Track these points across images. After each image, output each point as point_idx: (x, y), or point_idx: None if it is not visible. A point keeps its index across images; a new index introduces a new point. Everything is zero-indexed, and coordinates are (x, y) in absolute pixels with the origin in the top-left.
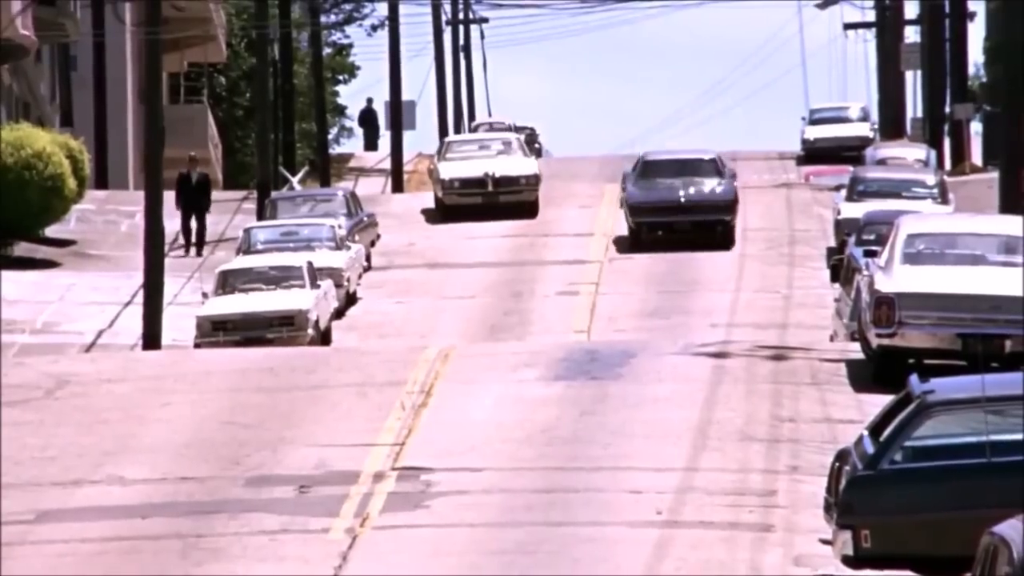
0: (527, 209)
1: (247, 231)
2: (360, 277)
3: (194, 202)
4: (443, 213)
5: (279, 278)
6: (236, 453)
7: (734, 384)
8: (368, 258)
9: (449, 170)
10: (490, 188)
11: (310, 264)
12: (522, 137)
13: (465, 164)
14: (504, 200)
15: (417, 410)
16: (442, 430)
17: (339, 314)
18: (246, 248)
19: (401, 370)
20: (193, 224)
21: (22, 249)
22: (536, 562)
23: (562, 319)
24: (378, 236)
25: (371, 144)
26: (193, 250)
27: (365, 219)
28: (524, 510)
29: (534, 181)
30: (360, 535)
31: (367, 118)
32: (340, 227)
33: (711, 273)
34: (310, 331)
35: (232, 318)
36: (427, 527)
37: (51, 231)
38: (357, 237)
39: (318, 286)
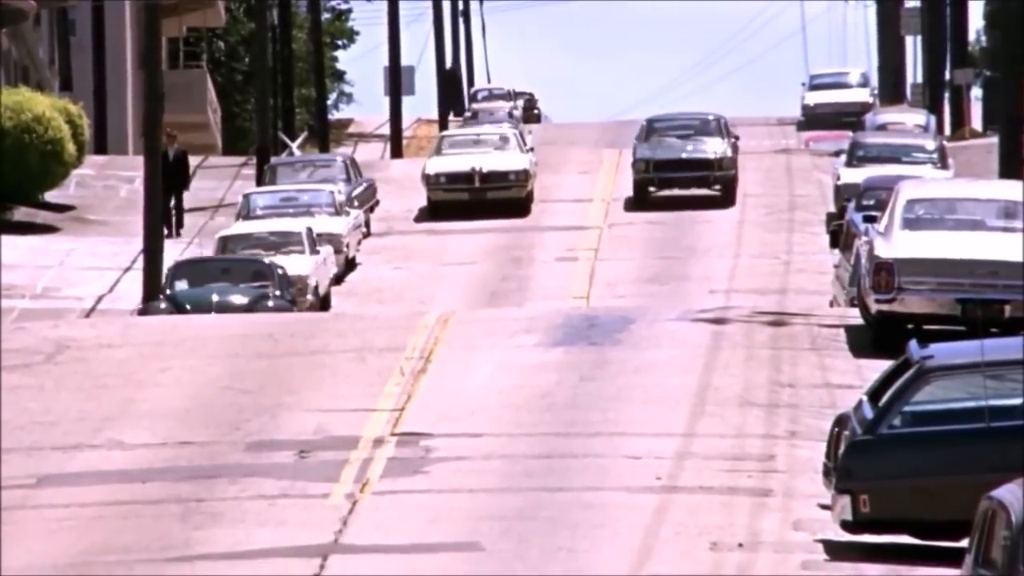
0: (516, 206)
1: (246, 197)
2: (359, 243)
3: (172, 179)
4: (430, 211)
5: (279, 244)
6: (236, 418)
7: (733, 350)
8: (367, 224)
9: (436, 165)
10: (477, 184)
11: (309, 230)
12: (519, 133)
13: (453, 159)
14: (492, 196)
15: (416, 376)
16: (441, 396)
17: (338, 280)
18: (245, 214)
19: (400, 336)
20: (172, 202)
21: (22, 214)
22: (535, 527)
23: (561, 285)
24: (377, 202)
25: (455, 109)
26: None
27: (364, 185)
28: (523, 476)
29: (524, 177)
30: (360, 500)
31: (451, 82)
32: (339, 193)
33: (710, 239)
34: (309, 297)
35: None
36: (427, 492)
37: (50, 196)
38: (356, 203)
39: (317, 252)
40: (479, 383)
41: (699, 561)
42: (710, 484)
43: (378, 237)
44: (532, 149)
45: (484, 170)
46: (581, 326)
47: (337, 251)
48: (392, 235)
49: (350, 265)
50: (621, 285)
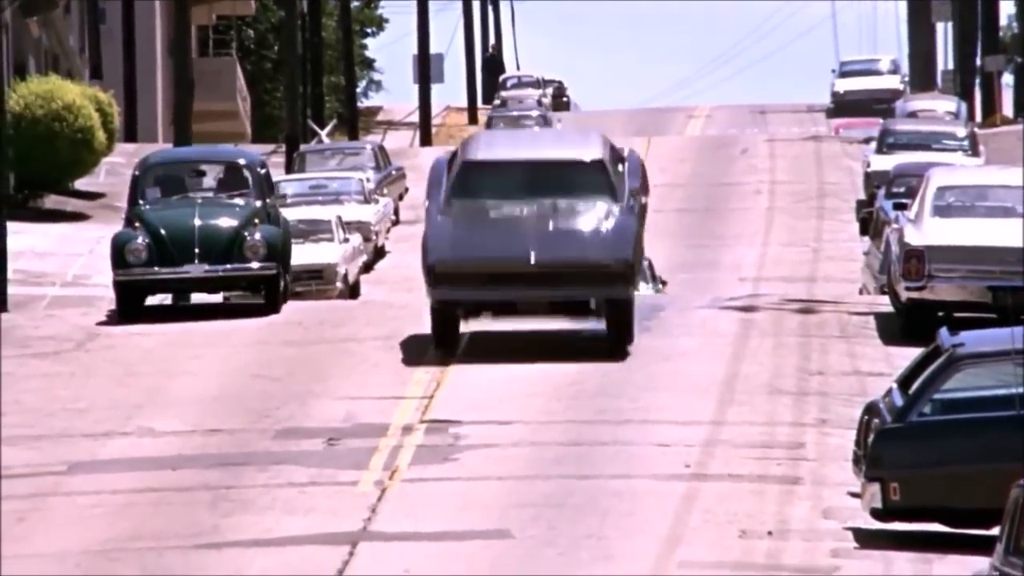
0: None
1: (276, 185)
2: (388, 231)
3: None
4: None
5: (308, 232)
6: (265, 406)
7: (762, 338)
8: (396, 212)
9: None
10: None
11: (339, 218)
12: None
13: None
14: None
15: (444, 363)
16: (470, 383)
17: (367, 268)
18: None
19: (430, 323)
20: None
21: (52, 202)
22: (564, 515)
23: None
24: (406, 189)
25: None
26: None
27: (393, 172)
28: (552, 463)
29: None
30: (389, 488)
31: (491, 67)
32: (368, 181)
33: (740, 227)
34: (339, 284)
35: None
36: (456, 480)
37: (81, 184)
38: (385, 191)
39: (346, 240)
40: (507, 371)
41: (728, 549)
42: (739, 472)
43: (407, 225)
44: (568, 101)
45: None
46: None
47: (366, 239)
48: (421, 223)
49: (379, 253)
50: None
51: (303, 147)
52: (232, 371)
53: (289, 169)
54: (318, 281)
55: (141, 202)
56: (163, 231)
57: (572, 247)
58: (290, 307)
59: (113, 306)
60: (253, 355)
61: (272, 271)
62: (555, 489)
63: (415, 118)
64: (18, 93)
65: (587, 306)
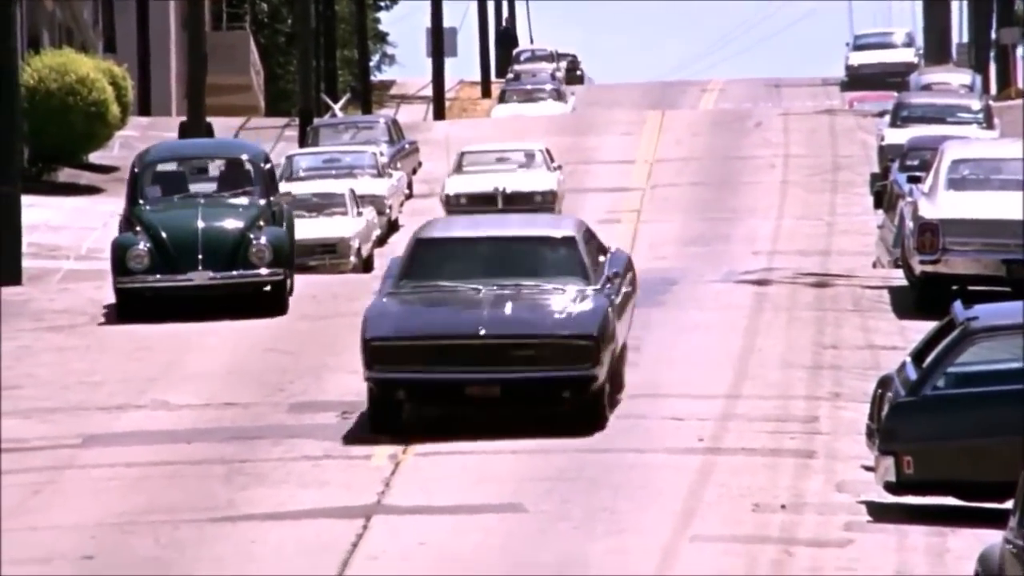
0: None
1: (289, 158)
2: (402, 204)
3: None
4: None
5: (321, 205)
6: (279, 379)
7: (776, 311)
8: (410, 185)
9: (455, 185)
10: (500, 205)
11: (352, 191)
12: (544, 150)
13: (474, 178)
14: None
15: None
16: None
17: (381, 241)
18: (288, 175)
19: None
20: None
21: (66, 175)
22: (577, 488)
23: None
24: (420, 163)
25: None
26: None
27: (407, 146)
28: (566, 436)
29: (551, 198)
30: (403, 461)
31: (505, 40)
32: (382, 154)
33: (753, 200)
34: (352, 258)
35: None
36: (469, 454)
37: (95, 157)
38: (399, 164)
39: (360, 213)
40: None
41: (742, 522)
42: (753, 446)
43: (421, 199)
44: (560, 167)
45: (508, 191)
46: None
47: (380, 213)
48: (434, 197)
49: (392, 227)
50: (663, 247)
51: (317, 121)
52: (246, 345)
53: (303, 143)
54: (332, 255)
55: (141, 202)
56: (165, 235)
57: (529, 320)
58: (304, 281)
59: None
60: (267, 328)
61: (279, 277)
62: (568, 463)
63: (428, 92)
64: (32, 67)
65: (549, 392)
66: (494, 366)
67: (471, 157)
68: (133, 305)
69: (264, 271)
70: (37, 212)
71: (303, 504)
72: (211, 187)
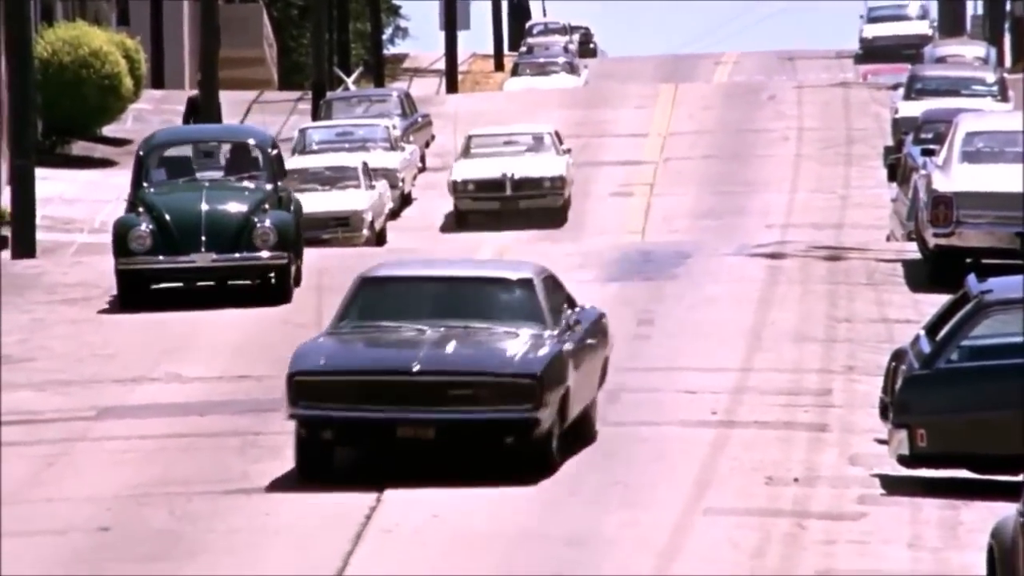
0: (552, 215)
1: (302, 131)
2: (415, 178)
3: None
4: (457, 221)
5: (334, 179)
6: (293, 352)
7: (789, 285)
8: (422, 159)
9: (463, 170)
10: (508, 192)
11: (365, 165)
12: (553, 133)
13: (482, 163)
14: (525, 206)
15: None
16: None
17: (394, 215)
18: (301, 148)
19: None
20: None
21: (79, 148)
22: (590, 460)
23: (616, 220)
24: (432, 137)
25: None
26: None
27: (419, 120)
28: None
29: (560, 184)
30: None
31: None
32: (395, 128)
33: (767, 173)
34: (365, 231)
35: None
36: None
37: (108, 130)
38: (412, 138)
39: (373, 187)
40: None
41: (755, 495)
42: (766, 419)
43: (433, 172)
44: (569, 150)
45: (516, 176)
46: (637, 261)
47: (392, 186)
48: (447, 170)
49: (406, 200)
50: (677, 220)
51: (329, 94)
52: (259, 318)
53: (316, 116)
54: (344, 228)
55: (145, 185)
56: (168, 217)
57: (468, 357)
58: (317, 254)
59: None
60: (280, 302)
61: (283, 261)
62: (582, 435)
63: (441, 65)
64: (45, 39)
65: (488, 435)
66: (429, 406)
67: (479, 140)
68: (135, 291)
69: (267, 254)
70: (51, 185)
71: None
72: (218, 172)
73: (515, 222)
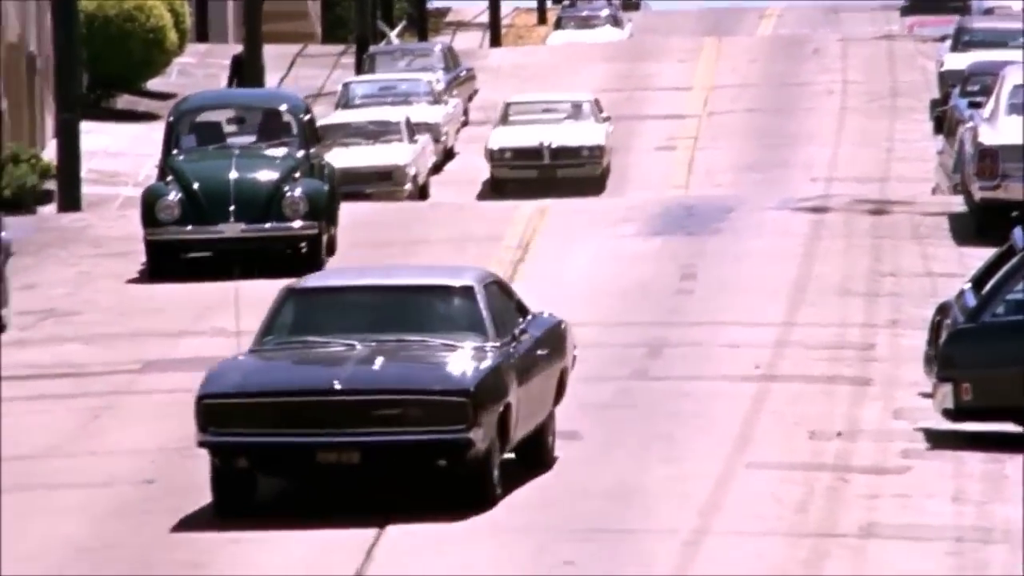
0: (591, 184)
1: (346, 86)
2: (458, 132)
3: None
4: (492, 188)
5: (377, 133)
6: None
7: (833, 239)
8: (466, 112)
9: (500, 138)
10: (546, 160)
11: (408, 119)
12: (593, 102)
13: (520, 131)
14: (563, 175)
15: (515, 266)
16: (540, 285)
17: (437, 169)
18: (344, 103)
19: (499, 225)
20: None
21: (124, 102)
22: (633, 415)
23: (660, 174)
24: (475, 91)
25: None
26: None
27: (463, 74)
28: (620, 364)
29: (598, 153)
30: None
31: None
32: (438, 82)
33: (812, 127)
34: (408, 186)
35: None
36: None
37: (152, 84)
38: (455, 92)
39: (416, 141)
40: (577, 273)
41: (797, 450)
42: (809, 373)
43: (476, 126)
44: (609, 118)
45: (554, 145)
46: (680, 215)
47: (435, 140)
48: (490, 124)
49: (448, 154)
50: (720, 174)
51: (372, 48)
52: (303, 271)
53: (359, 70)
54: (387, 182)
55: (175, 151)
56: (196, 186)
57: (395, 374)
58: (360, 208)
59: None
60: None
61: (313, 231)
62: (624, 390)
63: (484, 19)
64: None
65: (418, 458)
66: (352, 428)
67: (517, 108)
68: (165, 260)
69: (298, 224)
70: (96, 139)
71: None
72: (249, 138)
73: (552, 191)
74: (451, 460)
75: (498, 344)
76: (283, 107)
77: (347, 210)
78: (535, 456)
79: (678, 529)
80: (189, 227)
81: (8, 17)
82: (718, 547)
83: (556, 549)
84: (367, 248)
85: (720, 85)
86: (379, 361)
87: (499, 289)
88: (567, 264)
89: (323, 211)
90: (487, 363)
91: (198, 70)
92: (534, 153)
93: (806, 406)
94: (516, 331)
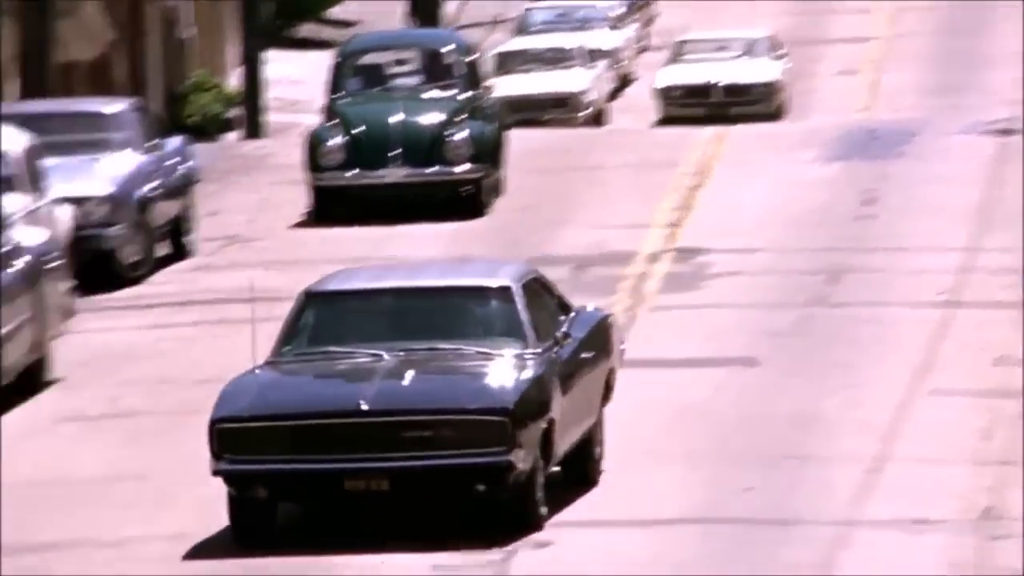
0: (765, 121)
1: (525, 12)
2: (636, 57)
3: None
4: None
5: (555, 59)
6: (515, 234)
7: (1020, 162)
8: (645, 38)
9: (668, 76)
10: (714, 98)
11: (585, 45)
12: (769, 37)
13: (689, 69)
14: (735, 112)
15: (693, 191)
16: (717, 211)
17: (613, 95)
18: (522, 29)
19: (676, 151)
20: None
21: (306, 30)
22: (812, 343)
23: (842, 99)
24: (655, 16)
25: None
26: None
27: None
28: (800, 291)
29: (772, 90)
30: (636, 315)
31: None
32: (617, 7)
33: (998, 49)
34: (585, 112)
35: (509, 100)
36: (702, 308)
37: (334, 12)
38: (636, 16)
39: (594, 67)
40: (756, 198)
41: (982, 376)
42: (995, 299)
43: (656, 52)
44: (786, 54)
45: (723, 83)
46: (862, 139)
47: (614, 65)
48: (668, 48)
49: (625, 81)
50: (904, 97)
51: None
52: (467, 215)
53: None
54: (563, 109)
55: (340, 93)
56: (360, 129)
57: (427, 391)
58: (537, 134)
59: None
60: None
61: (478, 175)
62: (803, 317)
63: None
64: None
65: (453, 484)
66: (381, 452)
67: (690, 46)
68: (329, 204)
69: (462, 168)
70: (279, 67)
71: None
72: (414, 79)
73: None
74: (491, 485)
75: (539, 350)
76: (447, 48)
77: (524, 136)
78: (581, 470)
79: (860, 456)
80: (352, 172)
81: None
82: (900, 474)
83: (735, 475)
84: (544, 175)
85: (906, 7)
86: (409, 375)
87: (540, 286)
88: (745, 190)
89: (488, 154)
90: (528, 374)
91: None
92: (702, 91)
93: (991, 332)
94: (559, 333)
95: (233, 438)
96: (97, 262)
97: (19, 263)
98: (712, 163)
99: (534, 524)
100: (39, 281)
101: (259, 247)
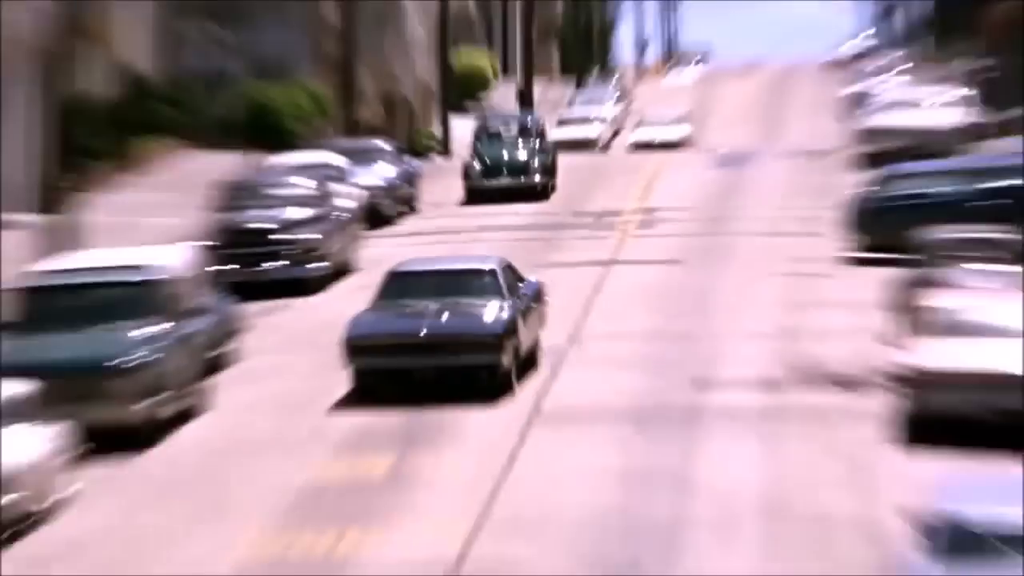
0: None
1: (568, 100)
2: (622, 121)
3: None
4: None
5: (583, 120)
6: (564, 206)
7: (801, 170)
8: (626, 112)
9: (635, 135)
10: (659, 144)
11: (598, 114)
12: (688, 111)
13: (644, 131)
14: (668, 148)
15: (650, 183)
16: (663, 192)
17: (611, 140)
18: (569, 103)
19: (640, 165)
20: None
21: (469, 105)
22: (711, 255)
23: (720, 139)
24: (632, 100)
25: None
26: None
27: (625, 93)
28: (704, 227)
29: (686, 139)
30: (625, 240)
31: None
32: (612, 95)
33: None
34: (598, 147)
35: (560, 141)
36: (656, 237)
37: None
38: (622, 100)
39: (603, 124)
40: (681, 186)
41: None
42: (797, 229)
43: (632, 118)
44: (691, 120)
45: (657, 140)
46: (730, 158)
47: (611, 125)
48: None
49: (617, 132)
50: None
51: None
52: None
53: (578, 87)
54: (587, 146)
55: (478, 144)
56: (488, 159)
57: (455, 324)
58: (574, 158)
59: None
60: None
61: (545, 180)
62: (706, 239)
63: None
64: None
65: (469, 375)
66: (432, 357)
67: (646, 119)
68: (474, 197)
69: (538, 178)
70: (458, 123)
71: (566, 259)
72: (512, 133)
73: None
74: (488, 376)
75: (511, 303)
76: (530, 119)
77: (567, 159)
78: (530, 363)
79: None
80: (484, 180)
81: (417, 66)
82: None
83: (675, 322)
84: (577, 178)
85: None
86: (445, 316)
87: (510, 268)
88: (676, 182)
89: (549, 170)
90: (506, 315)
91: (501, 91)
92: (650, 143)
93: (798, 251)
94: (519, 293)
95: (357, 348)
96: (375, 215)
97: (347, 214)
98: (659, 170)
99: (508, 393)
100: (351, 225)
101: (444, 211)
